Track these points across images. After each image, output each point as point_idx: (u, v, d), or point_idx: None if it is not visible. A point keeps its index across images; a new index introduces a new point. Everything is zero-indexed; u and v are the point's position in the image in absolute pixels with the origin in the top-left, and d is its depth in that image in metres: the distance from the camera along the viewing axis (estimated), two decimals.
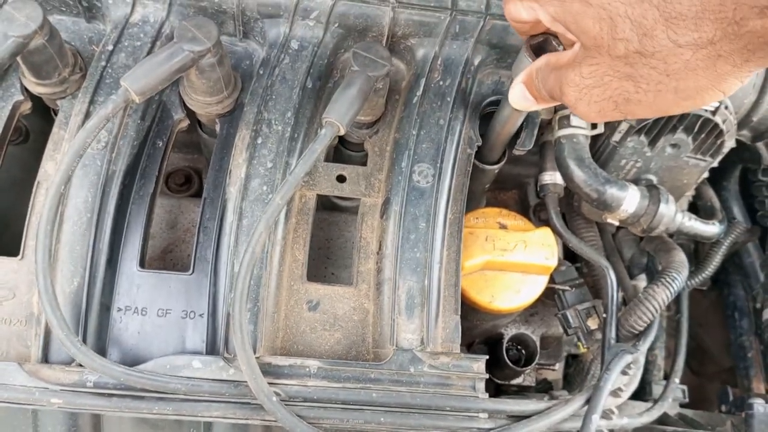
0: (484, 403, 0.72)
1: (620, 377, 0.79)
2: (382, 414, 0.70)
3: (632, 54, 0.51)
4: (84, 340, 0.70)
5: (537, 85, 0.63)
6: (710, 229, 0.91)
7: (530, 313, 1.02)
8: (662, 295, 0.85)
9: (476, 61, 0.84)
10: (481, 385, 0.73)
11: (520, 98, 0.67)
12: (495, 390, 1.05)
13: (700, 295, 1.32)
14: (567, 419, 0.75)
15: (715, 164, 0.90)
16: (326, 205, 0.96)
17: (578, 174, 0.83)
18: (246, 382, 0.67)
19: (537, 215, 1.05)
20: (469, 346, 1.03)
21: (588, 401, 0.75)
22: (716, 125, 0.83)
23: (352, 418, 0.70)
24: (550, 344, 1.05)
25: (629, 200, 0.83)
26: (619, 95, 0.55)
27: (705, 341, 1.43)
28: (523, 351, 1.01)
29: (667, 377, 1.11)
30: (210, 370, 0.69)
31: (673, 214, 0.85)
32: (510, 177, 1.06)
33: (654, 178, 0.90)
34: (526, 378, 1.03)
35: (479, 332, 0.98)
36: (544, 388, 1.10)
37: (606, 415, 0.78)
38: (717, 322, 1.37)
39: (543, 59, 0.62)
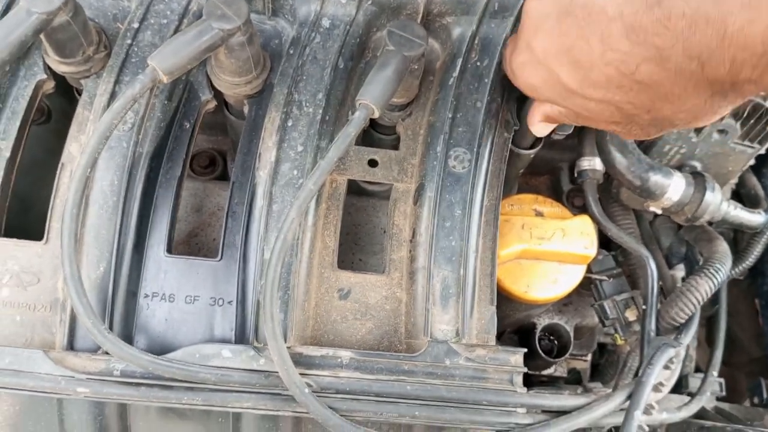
0: (522, 397, 0.69)
1: (662, 371, 0.76)
2: (416, 407, 0.68)
3: (651, 119, 0.56)
4: (110, 328, 0.68)
5: (566, 120, 0.67)
6: (756, 218, 0.88)
7: (564, 303, 0.99)
8: (705, 286, 0.81)
9: None
10: (519, 379, 0.70)
11: (545, 129, 0.74)
12: (524, 380, 1.02)
13: (730, 283, 1.28)
14: (607, 414, 0.72)
15: (763, 151, 0.87)
16: (353, 189, 0.93)
17: (620, 160, 0.80)
18: (277, 372, 0.65)
19: (571, 201, 1.02)
20: (499, 335, 1.00)
21: (630, 397, 0.73)
22: (767, 110, 0.79)
23: (386, 411, 0.68)
24: (583, 334, 1.02)
25: (674, 188, 0.80)
26: (662, 130, 0.60)
27: (734, 330, 1.40)
28: (556, 341, 0.98)
29: (699, 369, 1.09)
30: (240, 360, 0.67)
31: (719, 203, 0.82)
32: (543, 161, 1.02)
33: (698, 165, 0.86)
34: (556, 368, 1.01)
35: (511, 322, 0.95)
36: (573, 378, 1.08)
37: (646, 410, 0.75)
38: (747, 310, 1.34)
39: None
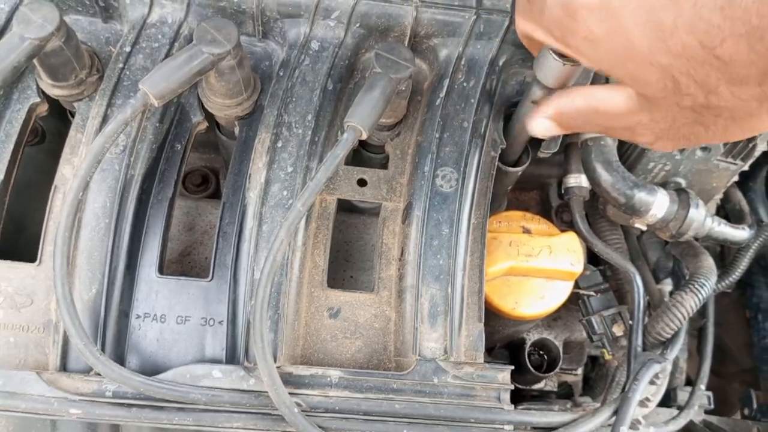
0: (510, 414, 0.70)
1: (648, 387, 0.77)
2: (405, 426, 0.69)
3: (698, 106, 0.52)
4: (103, 349, 0.69)
5: (577, 124, 0.64)
6: (740, 234, 0.89)
7: (553, 317, 1.00)
8: (690, 302, 0.83)
9: (501, 61, 0.82)
10: (506, 396, 0.71)
11: (545, 130, 0.67)
12: (515, 395, 1.03)
13: (720, 294, 1.29)
14: (594, 430, 0.73)
15: (746, 168, 0.88)
16: (344, 206, 0.94)
17: (605, 178, 0.81)
18: (267, 392, 0.66)
19: (559, 217, 1.03)
20: (489, 350, 1.01)
21: (616, 412, 0.74)
22: None
23: (375, 429, 0.69)
24: (572, 349, 1.03)
25: (658, 205, 0.81)
26: (691, 134, 0.56)
27: (725, 341, 1.41)
28: (546, 356, 0.99)
29: (690, 382, 1.09)
30: (230, 380, 0.68)
31: (702, 219, 0.83)
32: (532, 177, 1.03)
33: (683, 182, 0.88)
34: (547, 383, 1.02)
35: (501, 337, 0.96)
36: (564, 392, 1.08)
37: (633, 425, 0.76)
38: (737, 321, 1.35)
39: (581, 99, 0.61)
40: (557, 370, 0.96)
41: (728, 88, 0.49)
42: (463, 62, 0.81)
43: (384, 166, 0.82)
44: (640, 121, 0.58)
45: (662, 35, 0.49)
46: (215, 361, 0.71)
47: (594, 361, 1.14)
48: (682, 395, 0.98)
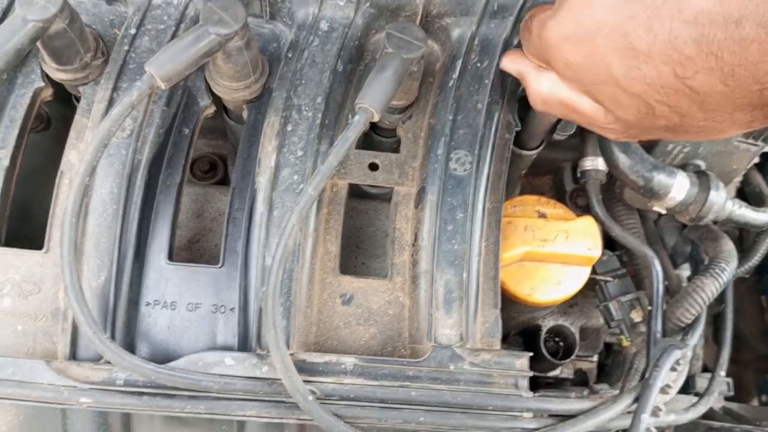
0: (528, 401, 0.69)
1: (669, 373, 0.75)
2: (421, 413, 0.68)
3: (672, 125, 0.55)
4: (112, 336, 0.68)
5: (547, 108, 0.66)
6: (761, 217, 0.86)
7: (569, 304, 0.99)
8: (711, 286, 0.81)
9: (515, 41, 0.80)
10: (525, 383, 0.70)
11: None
12: (530, 382, 1.02)
13: (736, 281, 1.27)
14: (614, 418, 0.71)
15: (767, 149, 0.86)
16: (355, 192, 0.92)
17: (623, 160, 0.79)
18: (280, 379, 0.64)
19: (574, 201, 1.01)
20: (504, 337, 0.99)
21: (637, 399, 0.72)
22: None
23: (391, 417, 0.67)
24: (588, 336, 1.01)
25: (678, 187, 0.79)
26: (662, 135, 0.60)
27: (741, 327, 1.39)
28: (561, 343, 0.97)
29: (707, 369, 1.08)
30: (243, 368, 0.67)
31: (723, 202, 0.81)
32: (545, 161, 1.01)
33: (702, 164, 0.86)
34: (563, 370, 1.00)
35: (516, 324, 0.95)
36: (579, 379, 1.07)
37: (654, 412, 0.74)
38: (753, 308, 1.33)
39: (554, 96, 0.62)
40: (573, 357, 0.94)
41: (702, 114, 0.52)
42: (476, 42, 0.79)
43: (396, 150, 0.80)
44: (609, 127, 0.61)
45: (637, 61, 0.51)
46: (227, 348, 0.69)
47: (608, 348, 1.13)
48: (701, 382, 0.97)
